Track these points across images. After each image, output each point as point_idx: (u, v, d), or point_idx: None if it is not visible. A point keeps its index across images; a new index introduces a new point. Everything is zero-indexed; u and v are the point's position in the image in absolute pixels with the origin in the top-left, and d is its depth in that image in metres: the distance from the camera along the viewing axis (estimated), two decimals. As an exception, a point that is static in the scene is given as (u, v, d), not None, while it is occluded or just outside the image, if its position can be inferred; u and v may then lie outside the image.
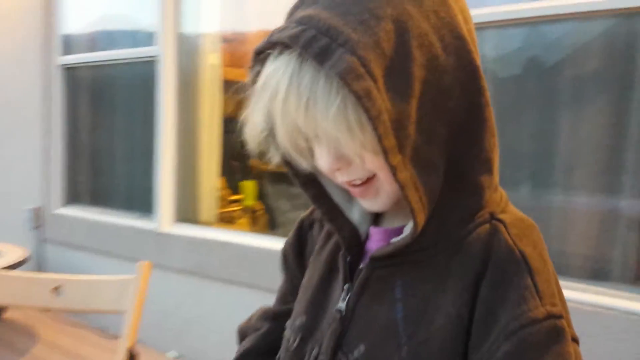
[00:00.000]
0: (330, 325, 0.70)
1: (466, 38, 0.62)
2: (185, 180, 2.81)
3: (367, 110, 0.54)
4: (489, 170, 0.64)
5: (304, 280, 0.80)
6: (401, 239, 0.65)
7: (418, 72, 0.58)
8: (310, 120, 0.59)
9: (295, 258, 0.84)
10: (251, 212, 3.32)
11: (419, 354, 0.63)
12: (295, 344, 0.74)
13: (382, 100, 0.56)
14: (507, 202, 0.68)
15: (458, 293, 0.62)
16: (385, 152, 0.56)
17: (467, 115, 0.62)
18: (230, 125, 3.22)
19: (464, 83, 0.61)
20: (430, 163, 0.61)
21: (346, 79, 0.54)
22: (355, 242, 0.73)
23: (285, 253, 0.86)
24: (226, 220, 3.17)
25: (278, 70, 0.59)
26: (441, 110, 0.60)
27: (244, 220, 3.31)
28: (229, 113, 2.98)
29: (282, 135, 0.65)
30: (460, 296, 0.62)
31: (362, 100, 0.54)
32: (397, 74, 0.57)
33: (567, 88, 1.89)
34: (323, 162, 0.64)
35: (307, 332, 0.73)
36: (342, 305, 0.69)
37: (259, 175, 3.17)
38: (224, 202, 3.20)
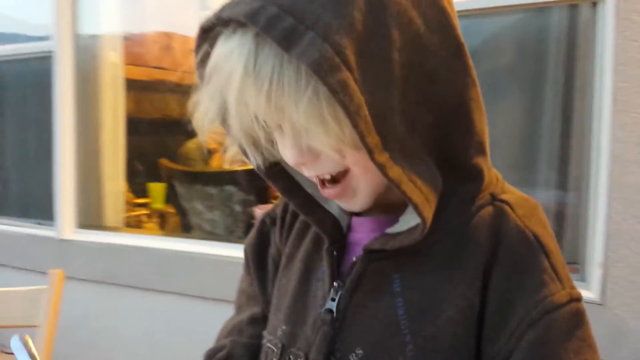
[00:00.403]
0: (319, 329, 0.62)
1: (448, 10, 0.56)
2: (87, 183, 2.64)
3: (344, 106, 0.47)
4: (483, 152, 0.59)
5: (279, 286, 0.71)
6: (406, 235, 0.58)
7: (399, 56, 0.51)
8: (273, 110, 0.52)
9: (257, 258, 0.77)
10: (159, 216, 3.17)
11: (427, 351, 0.57)
12: (277, 356, 0.66)
13: (361, 93, 0.48)
14: (503, 181, 0.63)
15: (468, 283, 0.57)
16: (369, 151, 0.49)
17: (454, 97, 0.56)
18: (135, 125, 3.08)
19: (449, 63, 0.55)
20: (418, 153, 0.55)
21: (319, 72, 0.46)
22: (338, 234, 0.65)
23: (246, 254, 0.79)
24: (133, 225, 3.01)
25: (232, 53, 0.51)
26: (427, 96, 0.54)
27: (151, 225, 3.16)
28: (132, 112, 2.84)
29: (236, 125, 0.58)
30: (472, 286, 0.57)
31: (338, 95, 0.47)
32: (375, 60, 0.50)
33: (480, 83, 1.91)
34: (287, 154, 0.57)
35: (290, 341, 0.65)
36: (332, 305, 0.61)
37: (168, 177, 3.03)
38: (129, 206, 3.04)
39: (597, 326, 0.58)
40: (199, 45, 0.57)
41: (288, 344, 0.65)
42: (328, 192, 0.59)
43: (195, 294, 2.10)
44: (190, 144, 3.90)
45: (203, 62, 0.57)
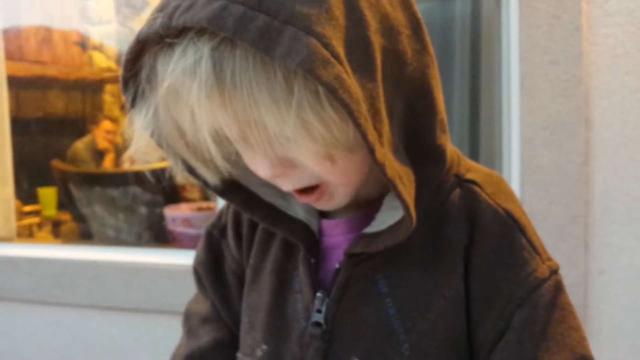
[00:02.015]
0: (310, 344, 0.58)
1: None
2: (-30, 192, 2.43)
3: (344, 104, 0.42)
4: (444, 130, 0.57)
5: (248, 302, 0.66)
6: (389, 235, 0.55)
7: (375, 39, 0.47)
8: (244, 124, 0.47)
9: (212, 276, 0.71)
10: (53, 224, 2.97)
11: (424, 347, 0.55)
12: None
13: (355, 86, 0.44)
14: (463, 157, 0.62)
15: (452, 271, 0.56)
16: (371, 150, 0.45)
17: (419, 78, 0.53)
18: (20, 126, 2.86)
19: (412, 41, 0.52)
20: (396, 144, 0.52)
21: (312, 69, 0.41)
22: (311, 241, 0.61)
23: (197, 273, 0.73)
24: (23, 235, 2.80)
25: (195, 67, 0.44)
26: (400, 81, 0.51)
27: (44, 234, 2.95)
28: (17, 113, 2.64)
29: (184, 144, 0.54)
30: (455, 273, 0.56)
31: (338, 92, 0.42)
32: (358, 47, 0.46)
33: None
34: (259, 169, 0.52)
35: None
36: (319, 317, 0.58)
37: (63, 180, 2.84)
38: (17, 214, 2.83)
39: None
40: (133, 59, 0.50)
41: None
42: (305, 198, 0.56)
43: (103, 305, 1.98)
44: (79, 144, 3.69)
45: (142, 79, 0.51)
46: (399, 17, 0.51)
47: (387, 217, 0.57)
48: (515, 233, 0.56)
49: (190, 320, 0.74)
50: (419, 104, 0.54)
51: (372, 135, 0.46)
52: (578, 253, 1.46)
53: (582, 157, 1.45)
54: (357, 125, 0.44)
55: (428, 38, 0.55)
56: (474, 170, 0.61)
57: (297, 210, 0.63)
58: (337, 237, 0.61)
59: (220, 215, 0.73)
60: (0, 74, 2.65)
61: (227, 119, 0.47)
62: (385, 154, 0.48)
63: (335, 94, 0.42)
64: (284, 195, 0.63)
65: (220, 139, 0.52)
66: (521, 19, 1.48)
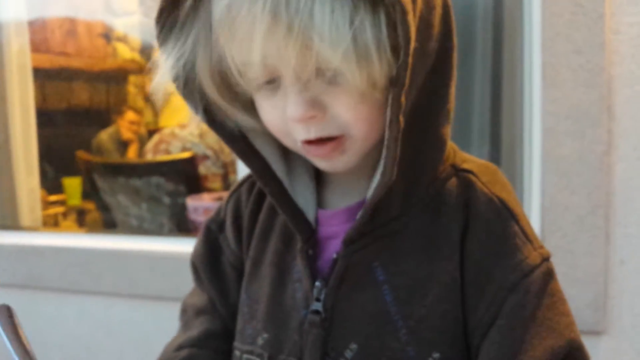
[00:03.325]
0: (309, 332, 0.60)
1: None
2: (-2, 181, 2.48)
3: (407, 30, 0.46)
4: (449, 120, 0.59)
5: (249, 293, 0.68)
6: (372, 195, 0.56)
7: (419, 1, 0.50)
8: (299, 49, 0.48)
9: (209, 269, 0.72)
10: (77, 213, 3.02)
11: (421, 332, 0.57)
12: None
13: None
14: (458, 149, 0.64)
15: (448, 257, 0.57)
16: (402, 86, 0.48)
17: (438, 61, 0.55)
18: (45, 117, 2.91)
19: (442, 22, 0.55)
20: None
21: None
22: (309, 231, 0.62)
23: (194, 266, 0.74)
24: (48, 224, 2.86)
25: None
26: (424, 52, 0.52)
27: (69, 223, 3.01)
28: (38, 103, 2.68)
29: (219, 82, 0.56)
30: (451, 260, 0.57)
31: (407, 15, 0.45)
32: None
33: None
34: (293, 107, 0.53)
35: (276, 349, 0.62)
36: (317, 305, 0.60)
37: (87, 170, 2.89)
38: (42, 204, 2.89)
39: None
40: None
41: (274, 352, 0.63)
42: (318, 149, 0.56)
43: (127, 293, 2.02)
44: (103, 135, 3.74)
45: (180, 14, 0.53)
46: None
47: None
48: (509, 221, 0.57)
49: (185, 314, 0.75)
50: (432, 86, 0.56)
51: (409, 77, 0.48)
52: (599, 243, 1.45)
53: (604, 146, 1.44)
54: (406, 54, 0.46)
55: (454, 25, 0.57)
56: (469, 161, 0.62)
57: (298, 196, 0.64)
58: (335, 227, 0.62)
59: (219, 211, 0.74)
60: (25, 66, 2.67)
61: (286, 39, 0.47)
62: (405, 104, 0.50)
63: (406, 16, 0.45)
64: (290, 176, 0.64)
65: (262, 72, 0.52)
66: (543, 8, 1.46)
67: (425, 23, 0.51)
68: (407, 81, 0.49)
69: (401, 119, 0.50)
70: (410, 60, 0.48)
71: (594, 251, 1.46)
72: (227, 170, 2.65)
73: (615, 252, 1.46)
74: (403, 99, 0.49)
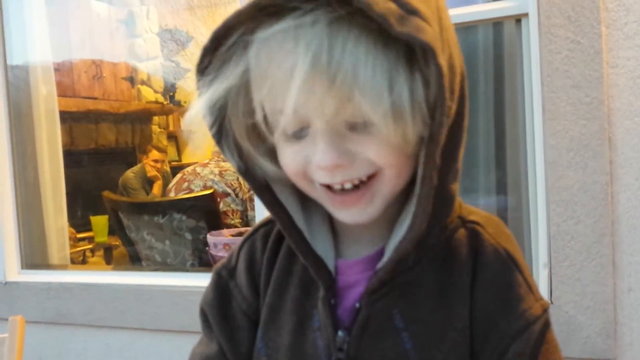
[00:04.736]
0: None
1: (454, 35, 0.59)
2: (28, 221, 2.56)
3: (443, 90, 0.49)
4: (457, 179, 0.62)
5: (266, 341, 0.68)
6: (398, 247, 0.58)
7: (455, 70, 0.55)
8: (338, 103, 0.50)
9: (220, 316, 0.71)
10: (104, 250, 3.11)
11: None
12: None
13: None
14: (463, 202, 0.67)
15: (460, 303, 0.60)
16: (436, 144, 0.52)
17: (454, 123, 0.58)
18: (73, 158, 3.02)
19: (460, 88, 0.58)
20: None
21: (434, 49, 0.48)
22: (330, 280, 0.64)
23: (204, 312, 0.73)
24: (77, 261, 2.94)
25: (304, 31, 0.49)
26: (447, 112, 0.55)
27: (96, 259, 3.09)
28: (66, 144, 2.78)
29: (251, 126, 0.58)
30: (464, 305, 0.60)
31: (444, 78, 0.49)
32: (445, 61, 0.53)
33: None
34: (323, 158, 0.54)
35: None
36: (341, 354, 0.61)
37: (113, 209, 2.98)
38: (71, 241, 2.98)
39: (549, 325, 0.64)
40: (223, 33, 0.54)
41: None
42: (342, 198, 0.57)
43: (152, 328, 2.07)
44: (129, 173, 3.86)
45: (214, 50, 0.55)
46: (457, 60, 0.57)
47: (394, 244, 0.60)
48: (514, 271, 0.61)
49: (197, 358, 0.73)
50: (447, 146, 0.58)
51: (443, 134, 0.52)
52: (606, 271, 1.47)
53: (606, 177, 1.46)
54: (442, 114, 0.50)
55: (467, 92, 0.60)
56: (474, 213, 0.66)
57: (318, 246, 0.65)
58: (354, 276, 0.64)
59: (230, 257, 0.75)
60: (53, 110, 2.79)
61: (325, 92, 0.50)
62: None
63: (442, 79, 0.49)
64: (309, 226, 0.66)
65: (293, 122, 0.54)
66: (541, 46, 1.52)
67: (450, 87, 0.54)
68: (441, 139, 0.52)
69: (434, 175, 0.54)
70: (445, 120, 0.51)
71: (601, 279, 1.48)
72: (246, 207, 2.72)
73: (622, 280, 1.48)
74: (438, 156, 0.53)
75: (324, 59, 0.48)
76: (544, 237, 1.55)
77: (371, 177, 0.57)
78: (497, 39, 1.78)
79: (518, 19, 1.63)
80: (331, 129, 0.53)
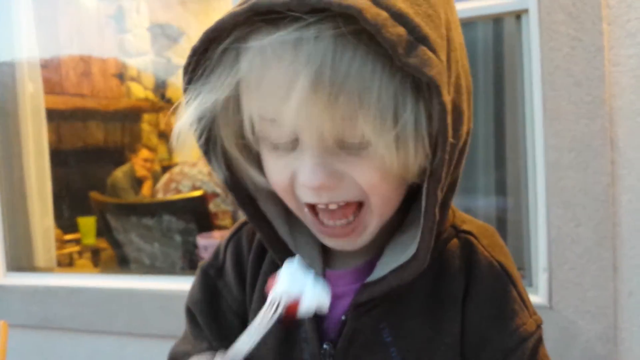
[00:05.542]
0: None
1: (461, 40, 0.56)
2: (14, 222, 2.51)
3: (446, 128, 0.46)
4: (455, 191, 0.59)
5: (252, 351, 0.64)
6: (395, 277, 0.56)
7: (449, 98, 0.51)
8: (338, 123, 0.47)
9: (208, 314, 0.69)
10: (92, 252, 3.05)
11: None
12: None
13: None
14: (457, 210, 0.64)
15: (451, 318, 0.58)
16: (438, 180, 0.49)
17: (462, 143, 0.56)
18: (60, 157, 2.97)
19: (467, 107, 0.55)
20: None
21: (439, 86, 0.45)
22: None
23: (190, 313, 0.71)
24: (64, 263, 2.89)
25: (306, 44, 0.45)
26: (457, 144, 0.53)
27: (84, 261, 3.04)
28: (53, 143, 2.72)
29: (233, 136, 0.56)
30: (454, 321, 0.58)
31: (448, 115, 0.46)
32: (452, 86, 0.50)
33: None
34: (309, 177, 0.51)
35: None
36: None
37: (100, 210, 2.93)
38: (58, 243, 2.92)
39: (548, 329, 0.62)
40: (214, 42, 0.50)
41: None
42: (334, 230, 0.55)
43: (141, 333, 2.03)
44: (118, 173, 3.80)
45: (203, 57, 0.52)
46: (464, 80, 0.54)
47: (389, 262, 0.58)
48: (508, 286, 0.59)
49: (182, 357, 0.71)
50: (452, 163, 0.55)
51: (445, 172, 0.50)
52: (607, 275, 1.44)
53: (608, 178, 1.44)
54: (443, 149, 0.48)
55: (472, 107, 0.57)
56: (468, 222, 0.63)
57: (305, 257, 0.63)
58: (342, 287, 0.61)
59: (217, 254, 0.72)
60: (39, 107, 2.72)
61: (326, 107, 0.47)
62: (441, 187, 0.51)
63: (445, 116, 0.46)
64: (293, 235, 0.64)
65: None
66: (542, 43, 1.48)
67: (457, 112, 0.51)
68: (443, 176, 0.50)
69: (436, 211, 0.51)
70: (446, 156, 0.48)
71: (602, 283, 1.45)
72: (236, 208, 2.67)
73: (623, 284, 1.45)
74: (439, 193, 0.51)
75: (327, 76, 0.45)
76: (543, 240, 1.52)
77: (359, 208, 0.55)
78: (497, 36, 1.75)
79: (518, 15, 1.59)
80: (322, 145, 0.51)
